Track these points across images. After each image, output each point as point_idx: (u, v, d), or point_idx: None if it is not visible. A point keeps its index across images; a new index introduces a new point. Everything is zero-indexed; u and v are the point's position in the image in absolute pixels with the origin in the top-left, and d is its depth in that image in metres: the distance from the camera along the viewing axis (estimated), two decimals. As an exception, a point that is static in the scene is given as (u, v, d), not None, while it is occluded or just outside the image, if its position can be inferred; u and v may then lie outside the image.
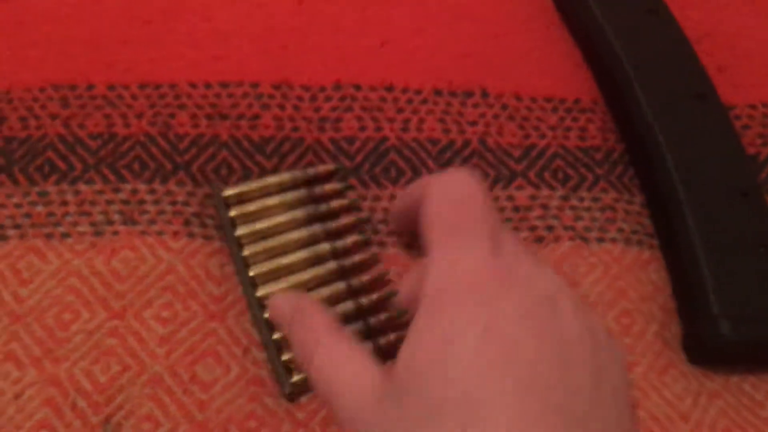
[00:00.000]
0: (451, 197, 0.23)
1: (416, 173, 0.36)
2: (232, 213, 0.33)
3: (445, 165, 0.36)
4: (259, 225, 0.33)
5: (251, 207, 0.33)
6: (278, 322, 0.27)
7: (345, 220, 0.33)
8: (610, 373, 0.20)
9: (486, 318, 0.20)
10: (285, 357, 0.30)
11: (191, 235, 0.34)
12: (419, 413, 0.19)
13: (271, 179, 0.34)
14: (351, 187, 0.35)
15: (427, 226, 0.23)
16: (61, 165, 0.36)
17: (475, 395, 0.19)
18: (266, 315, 0.31)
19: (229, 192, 0.34)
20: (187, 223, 0.34)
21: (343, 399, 0.22)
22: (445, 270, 0.21)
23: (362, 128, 0.37)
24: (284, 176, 0.34)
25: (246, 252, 0.32)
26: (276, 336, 0.31)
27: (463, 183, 0.23)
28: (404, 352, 0.21)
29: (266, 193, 0.34)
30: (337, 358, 0.23)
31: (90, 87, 0.38)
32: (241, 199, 0.34)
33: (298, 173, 0.34)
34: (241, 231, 0.33)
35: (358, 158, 0.36)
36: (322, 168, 0.35)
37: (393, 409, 0.20)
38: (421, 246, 0.24)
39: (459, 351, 0.19)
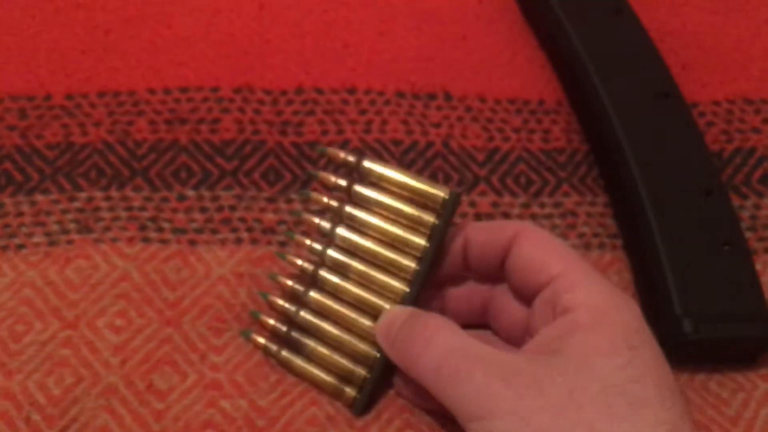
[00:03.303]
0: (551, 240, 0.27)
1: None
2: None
3: (408, 166, 0.36)
4: None
5: None
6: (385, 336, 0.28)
7: None
8: None
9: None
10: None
11: (147, 240, 0.33)
12: (560, 400, 0.23)
13: None
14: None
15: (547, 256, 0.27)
16: (18, 176, 0.35)
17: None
18: None
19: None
20: (142, 228, 0.34)
21: (474, 377, 0.24)
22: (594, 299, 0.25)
23: (324, 132, 0.37)
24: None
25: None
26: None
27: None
28: (550, 345, 0.25)
29: None
30: (460, 342, 0.25)
31: (48, 97, 0.37)
32: None
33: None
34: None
35: (321, 163, 0.36)
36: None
37: (531, 390, 0.23)
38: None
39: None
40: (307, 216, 0.30)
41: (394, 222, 0.29)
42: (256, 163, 0.36)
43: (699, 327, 0.30)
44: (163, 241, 0.33)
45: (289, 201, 0.35)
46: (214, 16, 0.40)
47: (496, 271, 0.29)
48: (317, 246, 0.30)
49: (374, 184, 0.30)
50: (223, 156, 0.36)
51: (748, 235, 0.35)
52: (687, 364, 0.31)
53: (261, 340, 0.30)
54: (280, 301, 0.30)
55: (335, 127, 0.37)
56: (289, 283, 0.30)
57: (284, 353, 0.30)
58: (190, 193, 0.35)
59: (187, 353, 0.31)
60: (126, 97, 0.37)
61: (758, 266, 0.33)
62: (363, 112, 0.37)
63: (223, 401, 0.30)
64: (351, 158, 0.30)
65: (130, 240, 0.33)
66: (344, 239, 0.30)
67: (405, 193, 0.29)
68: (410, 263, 0.29)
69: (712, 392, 0.31)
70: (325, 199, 0.30)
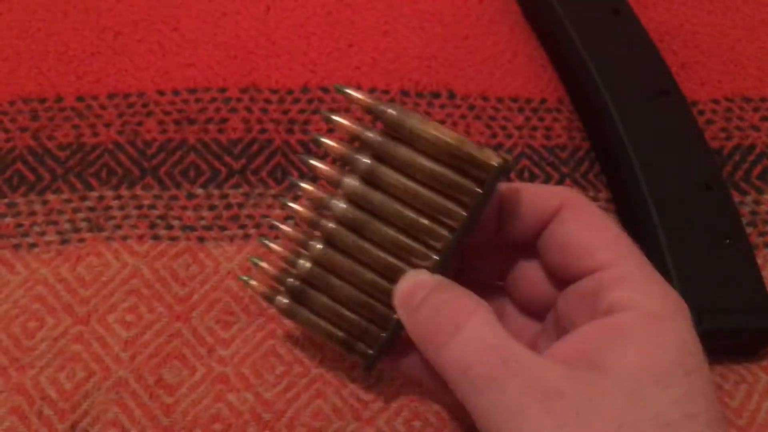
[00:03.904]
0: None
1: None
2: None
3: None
4: None
5: None
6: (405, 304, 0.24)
7: None
8: None
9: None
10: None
11: (156, 237, 0.34)
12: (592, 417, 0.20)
13: None
14: None
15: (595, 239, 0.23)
16: (30, 176, 0.36)
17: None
18: None
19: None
20: (152, 225, 0.34)
21: (508, 390, 0.20)
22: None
23: (330, 130, 0.37)
24: None
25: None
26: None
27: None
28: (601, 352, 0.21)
29: None
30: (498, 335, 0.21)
31: (59, 99, 0.38)
32: None
33: None
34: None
35: (328, 160, 0.36)
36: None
37: (573, 419, 0.20)
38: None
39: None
40: (316, 163, 0.26)
41: (427, 185, 0.25)
42: (264, 161, 0.36)
43: (702, 319, 0.30)
44: (173, 239, 0.34)
45: (296, 197, 0.35)
46: (221, 18, 0.41)
47: (529, 239, 0.25)
48: (324, 195, 0.26)
49: (403, 139, 0.24)
50: (231, 154, 0.36)
51: (748, 230, 0.35)
52: (689, 355, 0.32)
53: (259, 286, 0.28)
54: (285, 251, 0.27)
55: (341, 125, 0.38)
56: (293, 232, 0.27)
57: (287, 302, 0.27)
58: (199, 191, 0.35)
59: (195, 347, 0.31)
60: (135, 99, 0.38)
61: (759, 261, 0.33)
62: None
63: (230, 395, 0.30)
64: (379, 105, 0.24)
65: (141, 238, 0.34)
66: (364, 196, 0.25)
67: (442, 154, 0.24)
68: (444, 232, 0.25)
69: (715, 384, 0.31)
70: (349, 123, 0.25)
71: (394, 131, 0.24)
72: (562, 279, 0.24)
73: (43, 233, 0.34)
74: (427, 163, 0.24)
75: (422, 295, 0.24)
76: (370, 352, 0.27)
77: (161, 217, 0.35)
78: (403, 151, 0.24)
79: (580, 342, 0.22)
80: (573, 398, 0.20)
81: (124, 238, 0.34)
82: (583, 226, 0.23)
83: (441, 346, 0.22)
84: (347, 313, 0.27)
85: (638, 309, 0.21)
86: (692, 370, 0.21)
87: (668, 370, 0.20)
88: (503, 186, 0.25)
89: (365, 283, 0.26)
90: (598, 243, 0.23)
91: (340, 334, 0.27)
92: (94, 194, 0.35)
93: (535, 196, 0.24)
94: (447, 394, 0.24)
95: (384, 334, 0.26)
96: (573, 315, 0.23)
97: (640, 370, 0.20)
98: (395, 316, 0.26)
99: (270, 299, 0.28)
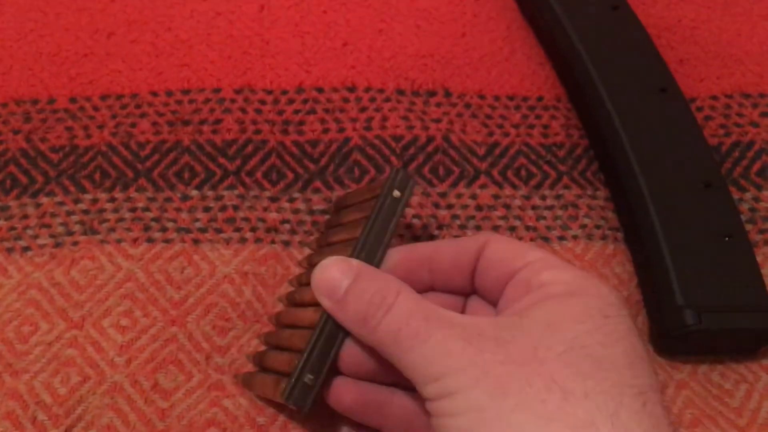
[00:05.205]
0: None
1: (380, 171, 0.36)
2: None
3: (409, 161, 0.36)
4: None
5: None
6: (328, 289, 0.26)
7: None
8: None
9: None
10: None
11: (151, 240, 0.34)
12: (520, 364, 0.22)
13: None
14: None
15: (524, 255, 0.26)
16: (23, 179, 0.35)
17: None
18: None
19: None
20: (146, 228, 0.34)
21: (433, 337, 0.23)
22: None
23: (325, 130, 0.37)
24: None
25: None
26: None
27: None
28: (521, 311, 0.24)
29: None
30: (420, 303, 0.24)
31: (51, 101, 0.38)
32: None
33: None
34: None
35: (323, 161, 0.36)
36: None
37: (492, 346, 0.22)
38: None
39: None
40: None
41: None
42: (259, 162, 0.36)
43: (701, 317, 0.30)
44: (167, 241, 0.34)
45: (291, 200, 0.35)
46: (214, 18, 0.41)
47: (464, 281, 0.27)
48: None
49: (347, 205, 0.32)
50: (225, 156, 0.36)
51: (748, 227, 0.35)
52: (689, 355, 0.31)
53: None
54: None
55: (336, 125, 0.37)
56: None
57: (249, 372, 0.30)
58: (194, 193, 0.35)
59: (191, 353, 0.31)
60: (129, 100, 0.38)
61: (759, 258, 0.33)
62: (363, 109, 0.38)
63: (225, 400, 0.30)
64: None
65: (135, 240, 0.34)
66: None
67: (366, 196, 0.30)
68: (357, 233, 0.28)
69: (715, 384, 0.31)
70: None
71: (343, 203, 0.32)
72: (500, 295, 0.26)
73: (36, 236, 0.34)
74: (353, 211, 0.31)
75: (346, 284, 0.25)
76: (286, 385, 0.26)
77: (155, 220, 0.34)
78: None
79: (510, 309, 0.24)
80: (493, 333, 0.22)
81: (118, 241, 0.34)
82: (511, 243, 0.26)
83: (376, 326, 0.24)
84: (285, 353, 0.28)
85: (565, 283, 0.24)
86: (611, 315, 0.23)
87: (586, 312, 0.23)
88: (428, 247, 0.28)
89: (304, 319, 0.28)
90: (526, 249, 0.26)
91: (272, 377, 0.28)
92: (88, 197, 0.35)
93: (462, 241, 0.27)
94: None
95: (300, 362, 0.26)
96: (509, 302, 0.25)
97: (558, 313, 0.23)
98: (312, 340, 0.26)
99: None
